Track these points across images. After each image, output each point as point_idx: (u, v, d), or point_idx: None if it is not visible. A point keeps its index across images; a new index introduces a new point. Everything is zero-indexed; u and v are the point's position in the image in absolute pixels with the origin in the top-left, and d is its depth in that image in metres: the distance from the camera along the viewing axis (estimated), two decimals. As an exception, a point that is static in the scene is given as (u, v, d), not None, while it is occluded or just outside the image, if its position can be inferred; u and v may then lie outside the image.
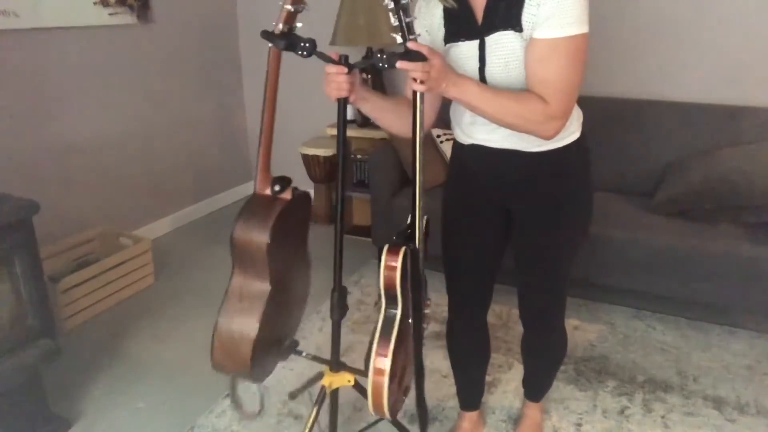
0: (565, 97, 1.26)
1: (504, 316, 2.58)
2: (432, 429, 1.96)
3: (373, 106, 1.41)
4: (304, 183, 3.81)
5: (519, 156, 1.40)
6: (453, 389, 1.89)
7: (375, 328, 1.35)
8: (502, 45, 1.28)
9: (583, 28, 1.23)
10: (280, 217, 1.37)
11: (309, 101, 3.61)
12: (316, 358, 1.68)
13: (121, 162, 3.12)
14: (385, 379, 1.31)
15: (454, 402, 1.96)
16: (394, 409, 1.40)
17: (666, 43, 2.81)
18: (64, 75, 2.75)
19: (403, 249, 1.28)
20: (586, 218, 1.52)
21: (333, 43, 3.03)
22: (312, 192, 3.76)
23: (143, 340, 2.44)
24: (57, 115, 2.75)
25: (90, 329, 2.52)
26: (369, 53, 3.14)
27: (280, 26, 1.31)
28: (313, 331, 2.48)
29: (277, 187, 1.43)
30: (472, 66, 1.33)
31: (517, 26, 1.25)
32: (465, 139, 1.48)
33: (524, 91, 1.29)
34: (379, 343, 1.32)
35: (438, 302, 2.60)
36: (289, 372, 2.20)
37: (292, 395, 1.94)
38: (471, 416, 1.90)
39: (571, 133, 1.41)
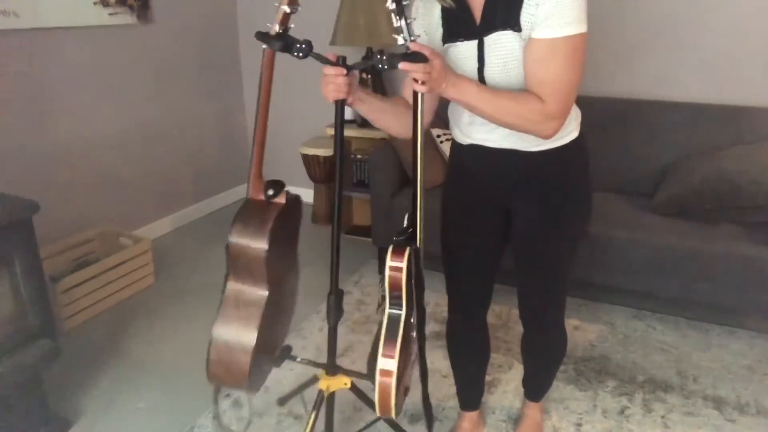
0: (563, 97, 1.26)
1: (504, 316, 2.58)
2: (432, 429, 1.96)
3: (370, 107, 1.41)
4: (304, 183, 3.84)
5: (518, 155, 1.41)
6: (453, 389, 1.89)
7: (379, 330, 1.35)
8: (501, 45, 1.28)
9: (581, 28, 1.23)
10: (277, 222, 1.36)
11: (309, 101, 3.62)
12: (311, 363, 1.67)
13: (121, 162, 3.12)
14: (393, 380, 1.31)
15: (454, 402, 1.96)
16: (398, 409, 1.40)
17: (666, 43, 2.81)
18: (64, 75, 2.75)
19: (408, 249, 1.28)
20: (585, 217, 1.53)
21: (333, 43, 3.03)
22: (312, 192, 3.77)
23: (143, 340, 2.44)
24: (57, 115, 2.75)
25: (90, 329, 2.52)
26: (369, 53, 3.14)
27: (276, 27, 1.29)
28: (313, 331, 2.48)
29: (270, 192, 1.41)
30: (470, 66, 1.33)
31: (515, 26, 1.25)
32: (464, 139, 1.48)
33: (523, 91, 1.29)
34: (385, 344, 1.31)
35: (438, 302, 2.61)
36: (288, 372, 2.20)
37: (281, 401, 1.94)
38: (471, 416, 1.90)
39: (569, 132, 1.41)
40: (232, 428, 1.91)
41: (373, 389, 1.54)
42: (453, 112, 1.50)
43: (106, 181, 3.04)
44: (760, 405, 2.06)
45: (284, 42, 1.29)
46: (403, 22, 1.17)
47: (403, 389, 1.48)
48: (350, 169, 3.38)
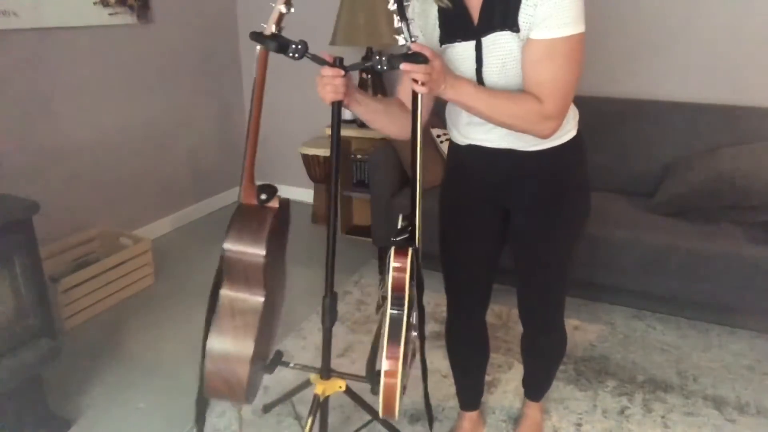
0: (561, 97, 1.26)
1: (504, 316, 2.59)
2: (432, 429, 1.96)
3: (366, 108, 1.41)
4: (304, 183, 3.84)
5: (516, 155, 1.41)
6: (453, 389, 1.89)
7: (379, 332, 1.35)
8: (500, 46, 1.28)
9: (579, 28, 1.23)
10: (273, 227, 1.34)
11: (309, 101, 3.62)
12: (305, 368, 1.66)
13: (121, 162, 3.12)
14: (398, 381, 1.31)
15: (454, 402, 1.96)
16: (398, 409, 1.40)
17: (666, 43, 2.81)
18: (64, 75, 2.75)
19: (410, 250, 1.28)
20: (583, 216, 1.53)
21: (333, 43, 3.03)
22: (312, 192, 3.77)
23: (143, 340, 2.44)
24: (57, 115, 2.75)
25: (90, 329, 2.52)
26: (369, 53, 3.14)
27: (273, 28, 1.28)
28: (313, 331, 2.48)
29: (264, 196, 1.38)
30: (468, 67, 1.33)
31: (514, 27, 1.24)
32: (462, 140, 1.48)
33: (520, 91, 1.29)
34: (388, 346, 1.31)
35: (438, 302, 2.61)
36: (288, 371, 2.20)
37: (267, 408, 1.92)
38: (471, 416, 1.90)
39: (567, 131, 1.42)
40: None
41: (370, 391, 1.54)
42: (451, 112, 1.50)
43: (106, 181, 3.04)
44: (760, 405, 2.06)
45: (279, 42, 1.27)
46: (404, 22, 1.17)
47: (402, 389, 1.49)
48: (350, 169, 3.38)
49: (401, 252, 1.28)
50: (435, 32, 1.36)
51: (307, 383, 1.64)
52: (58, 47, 2.71)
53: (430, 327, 2.51)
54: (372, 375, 1.56)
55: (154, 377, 2.21)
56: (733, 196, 2.36)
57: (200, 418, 1.52)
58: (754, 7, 2.62)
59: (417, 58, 1.16)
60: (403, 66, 1.16)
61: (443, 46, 1.36)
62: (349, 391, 1.63)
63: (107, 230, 2.91)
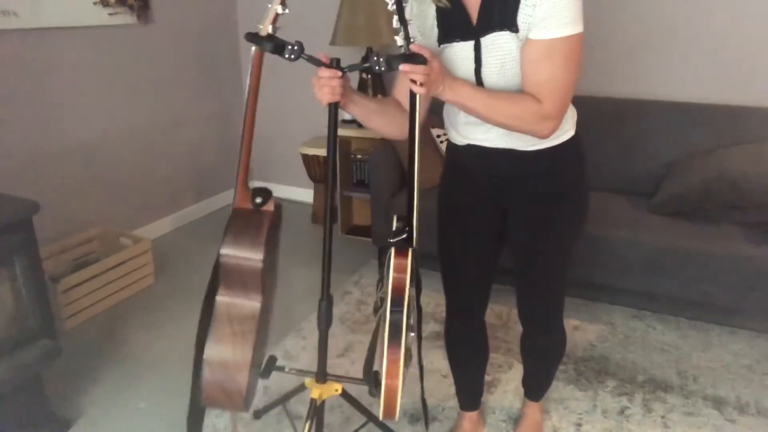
0: (560, 98, 1.26)
1: (504, 316, 2.58)
2: (432, 429, 1.96)
3: (363, 109, 1.40)
4: (304, 183, 3.84)
5: (514, 155, 1.41)
6: (453, 389, 1.89)
7: (376, 334, 1.34)
8: (499, 46, 1.28)
9: (578, 28, 1.23)
10: (270, 231, 1.33)
11: (309, 101, 3.62)
12: (300, 372, 1.65)
13: (122, 162, 3.12)
14: (399, 383, 1.30)
15: (454, 402, 1.96)
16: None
17: (666, 43, 2.81)
18: (64, 75, 2.75)
19: (410, 251, 1.28)
20: (582, 215, 1.53)
21: (333, 43, 3.03)
22: (312, 192, 3.77)
23: (143, 340, 2.44)
24: (57, 115, 2.75)
25: (90, 329, 2.52)
26: (369, 53, 3.14)
27: (269, 28, 1.27)
28: (314, 331, 2.48)
29: (259, 200, 1.36)
30: (467, 67, 1.33)
31: (512, 27, 1.24)
32: (460, 140, 1.48)
33: (518, 92, 1.29)
34: (389, 348, 1.30)
35: (438, 302, 2.61)
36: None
37: (257, 414, 1.91)
38: (471, 416, 1.90)
39: (565, 131, 1.42)
40: None
41: (368, 393, 1.54)
42: (449, 112, 1.50)
43: (106, 181, 3.04)
44: (760, 405, 2.06)
45: (275, 43, 1.26)
46: (402, 24, 1.17)
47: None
48: (350, 169, 3.38)
49: (401, 253, 1.28)
50: (433, 32, 1.36)
51: (301, 387, 1.63)
52: (58, 47, 2.71)
53: (430, 327, 2.51)
54: (370, 377, 1.56)
55: (154, 377, 2.21)
56: (733, 196, 2.36)
57: None
58: (754, 7, 2.62)
59: (416, 58, 1.16)
60: (402, 67, 1.16)
61: (442, 46, 1.36)
62: (345, 395, 1.62)
63: (107, 230, 2.91)
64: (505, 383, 2.17)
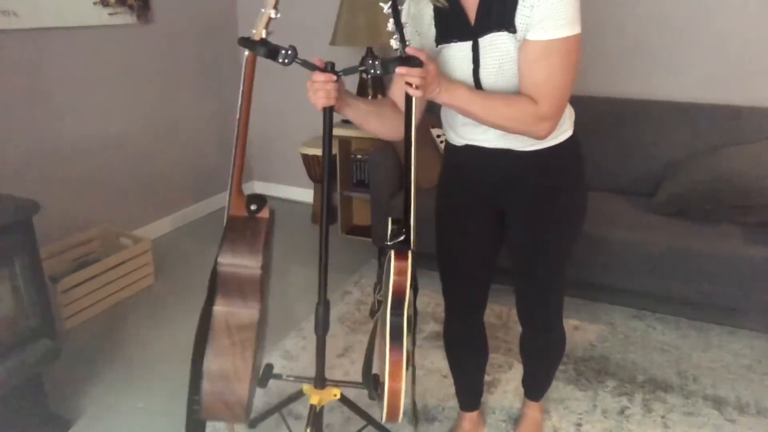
0: (557, 99, 1.26)
1: (504, 316, 2.58)
2: (432, 429, 1.96)
3: (358, 112, 1.40)
4: (304, 183, 3.84)
5: (512, 155, 1.41)
6: (453, 389, 1.89)
7: (373, 336, 1.34)
8: (496, 46, 1.28)
9: (575, 29, 1.23)
10: (267, 238, 1.33)
11: (308, 102, 3.60)
12: (299, 378, 1.64)
13: (121, 162, 3.12)
14: (402, 386, 1.30)
15: (454, 402, 1.96)
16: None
17: (666, 43, 2.81)
18: (64, 75, 2.75)
19: (410, 253, 1.28)
20: (580, 215, 1.53)
21: (333, 43, 3.03)
22: (312, 192, 3.77)
23: (143, 340, 2.44)
24: (57, 114, 2.75)
25: (90, 329, 2.52)
26: (369, 53, 3.13)
27: (263, 32, 1.26)
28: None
29: (254, 207, 1.35)
30: (465, 67, 1.33)
31: (510, 27, 1.24)
32: (458, 141, 1.48)
33: (515, 93, 1.29)
34: (391, 350, 1.29)
35: (438, 302, 2.61)
36: (288, 372, 2.20)
37: (253, 423, 1.88)
38: (471, 416, 1.90)
39: (563, 131, 1.42)
40: None
41: (368, 396, 1.53)
42: (446, 113, 1.50)
43: (106, 181, 3.04)
44: (760, 405, 2.06)
45: (269, 48, 1.25)
46: (398, 26, 1.16)
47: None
48: (350, 169, 3.38)
49: (401, 255, 1.28)
50: (431, 32, 1.36)
51: (299, 394, 1.62)
52: (58, 47, 2.71)
53: (430, 327, 2.51)
54: (369, 380, 1.55)
55: (154, 377, 2.21)
56: (733, 196, 2.36)
57: None
58: (754, 7, 2.62)
59: (412, 61, 1.15)
60: (398, 70, 1.16)
61: (439, 46, 1.35)
62: (344, 399, 1.62)
63: (107, 230, 2.91)
64: (505, 383, 2.17)
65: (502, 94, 1.29)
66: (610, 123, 2.80)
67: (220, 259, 1.30)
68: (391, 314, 1.29)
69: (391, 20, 1.16)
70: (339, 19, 3.01)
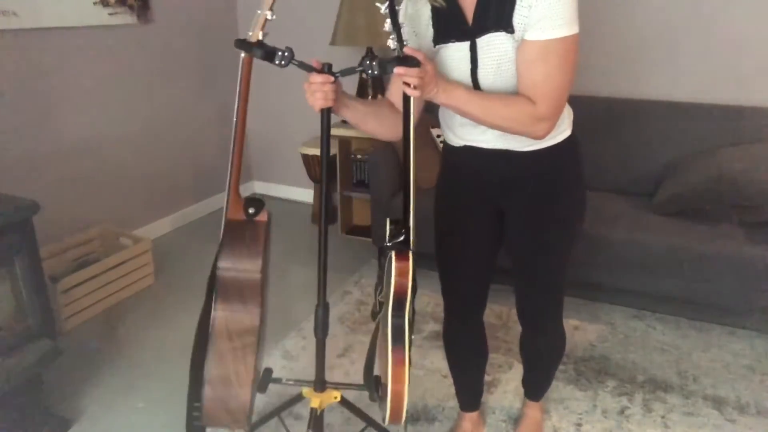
0: (555, 99, 1.26)
1: (504, 316, 2.58)
2: (432, 429, 1.96)
3: (355, 113, 1.39)
4: (304, 183, 3.84)
5: (511, 155, 1.41)
6: (453, 389, 1.89)
7: (375, 338, 1.33)
8: (494, 47, 1.28)
9: (573, 29, 1.23)
10: (265, 241, 1.32)
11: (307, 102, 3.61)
12: (298, 382, 1.63)
13: (121, 162, 3.12)
14: (405, 388, 1.29)
15: (454, 402, 1.96)
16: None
17: (666, 43, 2.81)
18: (63, 75, 2.75)
19: (411, 254, 1.28)
20: (579, 214, 1.53)
21: (333, 43, 3.03)
22: (312, 192, 3.77)
23: (143, 340, 2.44)
24: (57, 115, 2.75)
25: (90, 329, 2.52)
26: (369, 53, 3.13)
27: (259, 34, 1.26)
28: (313, 331, 2.48)
29: (252, 210, 1.34)
30: (463, 68, 1.33)
31: (508, 28, 1.24)
32: (457, 141, 1.48)
33: (513, 93, 1.29)
34: (394, 352, 1.29)
35: (438, 302, 2.60)
36: (289, 372, 2.20)
37: (251, 429, 1.89)
38: (471, 416, 1.90)
39: (562, 131, 1.42)
40: None
41: (368, 398, 1.53)
42: (444, 114, 1.49)
43: (106, 181, 3.04)
44: (760, 405, 2.06)
45: (266, 50, 1.25)
46: (395, 26, 1.16)
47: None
48: (350, 169, 3.39)
49: (402, 256, 1.27)
50: (428, 32, 1.36)
51: (299, 397, 1.62)
52: (58, 47, 2.70)
53: (430, 327, 2.51)
54: (370, 382, 1.55)
55: (153, 377, 2.21)
56: (733, 196, 2.36)
57: None
58: (754, 7, 2.62)
59: (409, 61, 1.15)
60: (396, 70, 1.16)
61: (437, 46, 1.35)
62: (344, 401, 1.61)
63: (107, 230, 2.91)
64: (505, 383, 2.17)
65: (500, 95, 1.29)
66: (610, 123, 2.80)
67: (221, 263, 1.29)
68: (393, 316, 1.29)
69: (389, 20, 1.16)
70: (339, 19, 3.01)
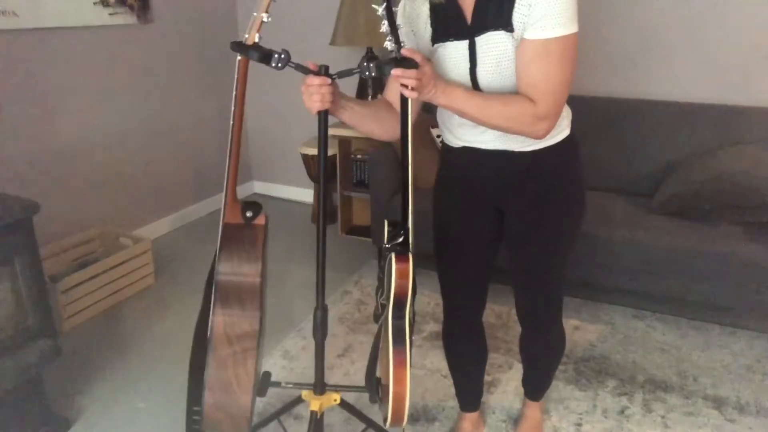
0: (554, 98, 1.26)
1: (504, 316, 2.58)
2: (432, 429, 1.96)
3: (353, 114, 1.39)
4: (304, 183, 3.84)
5: (510, 156, 1.40)
6: (453, 389, 1.89)
7: (377, 340, 1.33)
8: (494, 45, 1.27)
9: (573, 28, 1.23)
10: (264, 244, 1.32)
11: (309, 101, 3.61)
12: (298, 385, 1.62)
13: (121, 162, 3.12)
14: (407, 390, 1.29)
15: (454, 402, 1.96)
16: None
17: (666, 43, 2.81)
18: (64, 75, 2.75)
19: (411, 256, 1.28)
20: (579, 215, 1.52)
21: (333, 43, 3.03)
22: (312, 192, 3.77)
23: (143, 340, 2.44)
24: (57, 115, 2.75)
25: (90, 329, 2.52)
26: (369, 53, 3.13)
27: (255, 37, 1.25)
28: (313, 331, 2.48)
29: (249, 213, 1.34)
30: (462, 67, 1.32)
31: (508, 26, 1.24)
32: (455, 142, 1.48)
33: (512, 93, 1.29)
34: (395, 354, 1.29)
35: (438, 302, 2.60)
36: (289, 372, 2.20)
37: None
38: (471, 416, 1.90)
39: (561, 131, 1.42)
40: None
41: (369, 399, 1.53)
42: (443, 115, 1.49)
43: (106, 181, 3.04)
44: (760, 405, 2.06)
45: (262, 52, 1.24)
46: (392, 28, 1.16)
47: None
48: (350, 169, 3.38)
49: (402, 258, 1.27)
50: (426, 31, 1.36)
51: (298, 400, 1.62)
52: (58, 47, 2.70)
53: (430, 327, 2.51)
54: (371, 384, 1.55)
55: (153, 377, 2.21)
56: (733, 196, 2.36)
57: None
58: (754, 7, 2.62)
59: (407, 63, 1.15)
60: (394, 71, 1.15)
61: (435, 45, 1.35)
62: (344, 404, 1.61)
63: (107, 230, 2.91)
64: (505, 383, 2.17)
65: (499, 95, 1.29)
66: (610, 123, 2.80)
67: (220, 268, 1.29)
68: (393, 317, 1.28)
69: (386, 22, 1.16)
70: (339, 19, 3.01)
